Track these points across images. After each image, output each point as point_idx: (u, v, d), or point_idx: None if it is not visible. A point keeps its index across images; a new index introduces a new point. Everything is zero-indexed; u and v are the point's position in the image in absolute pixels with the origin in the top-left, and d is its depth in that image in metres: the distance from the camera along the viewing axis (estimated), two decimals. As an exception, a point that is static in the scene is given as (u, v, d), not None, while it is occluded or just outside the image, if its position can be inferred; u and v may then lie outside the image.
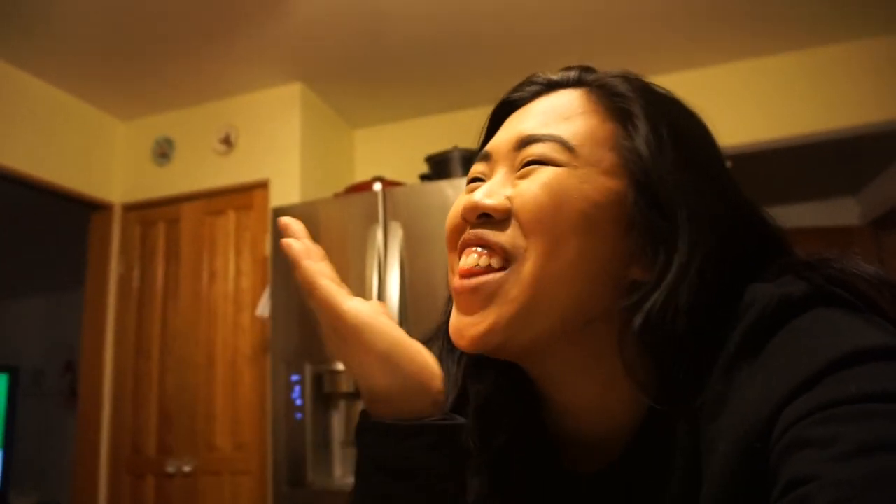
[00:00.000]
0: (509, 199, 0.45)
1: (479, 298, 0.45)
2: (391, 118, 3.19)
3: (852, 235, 3.79)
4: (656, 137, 0.45)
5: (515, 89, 0.54)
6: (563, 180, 0.44)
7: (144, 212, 2.96)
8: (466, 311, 0.46)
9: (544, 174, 0.45)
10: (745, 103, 2.79)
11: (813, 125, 2.70)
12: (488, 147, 0.51)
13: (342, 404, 2.24)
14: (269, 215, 2.54)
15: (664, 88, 0.50)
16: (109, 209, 2.97)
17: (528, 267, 0.44)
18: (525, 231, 0.44)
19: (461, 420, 0.44)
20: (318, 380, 2.19)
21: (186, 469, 2.59)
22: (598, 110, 0.48)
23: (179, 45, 2.50)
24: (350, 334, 0.40)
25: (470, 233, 0.47)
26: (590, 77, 0.51)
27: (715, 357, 0.41)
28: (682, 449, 0.41)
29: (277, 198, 2.70)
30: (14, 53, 2.49)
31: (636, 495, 0.45)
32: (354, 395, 2.17)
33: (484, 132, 0.56)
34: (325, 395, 2.20)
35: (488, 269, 0.45)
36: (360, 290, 1.92)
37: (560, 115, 0.48)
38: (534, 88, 0.52)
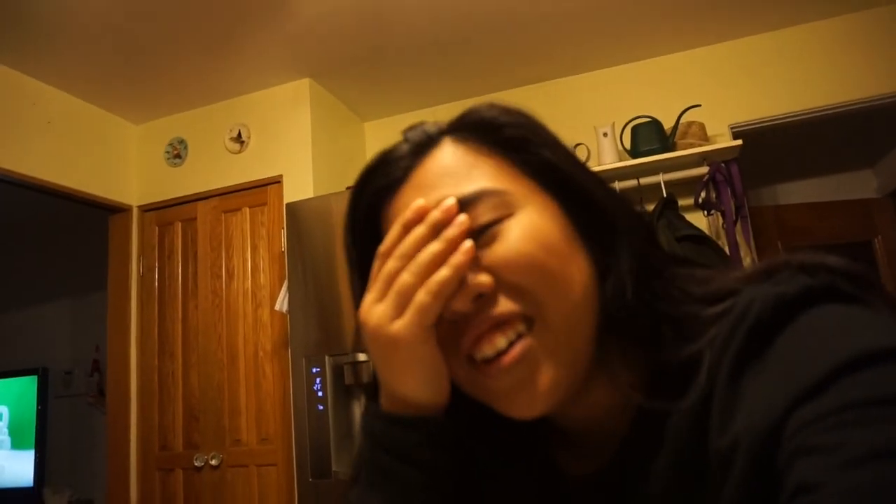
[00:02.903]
0: (486, 269, 0.43)
1: (528, 365, 0.43)
2: (401, 109, 3.20)
3: (871, 208, 3.73)
4: (549, 145, 0.47)
5: (378, 176, 0.49)
6: (525, 225, 0.43)
7: (161, 212, 3.01)
8: (522, 385, 0.43)
9: (508, 230, 0.43)
10: (757, 79, 2.75)
11: (827, 98, 2.66)
12: None
13: (363, 395, 2.27)
14: (284, 211, 2.56)
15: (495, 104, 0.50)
16: (127, 211, 3.02)
17: (552, 314, 0.43)
18: (526, 286, 0.42)
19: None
20: (338, 371, 2.22)
21: (214, 462, 2.64)
22: (481, 149, 0.47)
23: (188, 47, 2.52)
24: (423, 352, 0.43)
25: (478, 320, 0.43)
26: (443, 127, 0.50)
27: (685, 346, 0.42)
28: (674, 455, 0.41)
29: (291, 193, 2.72)
30: (27, 63, 2.53)
31: (627, 497, 0.45)
32: (375, 386, 2.20)
33: (362, 234, 0.51)
34: (345, 387, 2.23)
35: (520, 337, 0.43)
36: (375, 281, 1.93)
37: (459, 172, 0.46)
38: (403, 164, 0.48)
